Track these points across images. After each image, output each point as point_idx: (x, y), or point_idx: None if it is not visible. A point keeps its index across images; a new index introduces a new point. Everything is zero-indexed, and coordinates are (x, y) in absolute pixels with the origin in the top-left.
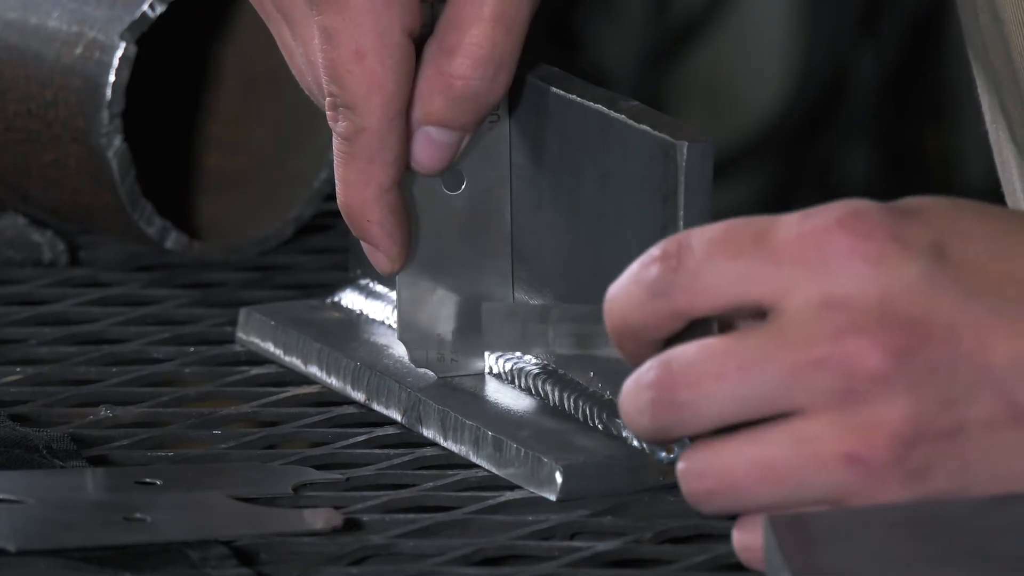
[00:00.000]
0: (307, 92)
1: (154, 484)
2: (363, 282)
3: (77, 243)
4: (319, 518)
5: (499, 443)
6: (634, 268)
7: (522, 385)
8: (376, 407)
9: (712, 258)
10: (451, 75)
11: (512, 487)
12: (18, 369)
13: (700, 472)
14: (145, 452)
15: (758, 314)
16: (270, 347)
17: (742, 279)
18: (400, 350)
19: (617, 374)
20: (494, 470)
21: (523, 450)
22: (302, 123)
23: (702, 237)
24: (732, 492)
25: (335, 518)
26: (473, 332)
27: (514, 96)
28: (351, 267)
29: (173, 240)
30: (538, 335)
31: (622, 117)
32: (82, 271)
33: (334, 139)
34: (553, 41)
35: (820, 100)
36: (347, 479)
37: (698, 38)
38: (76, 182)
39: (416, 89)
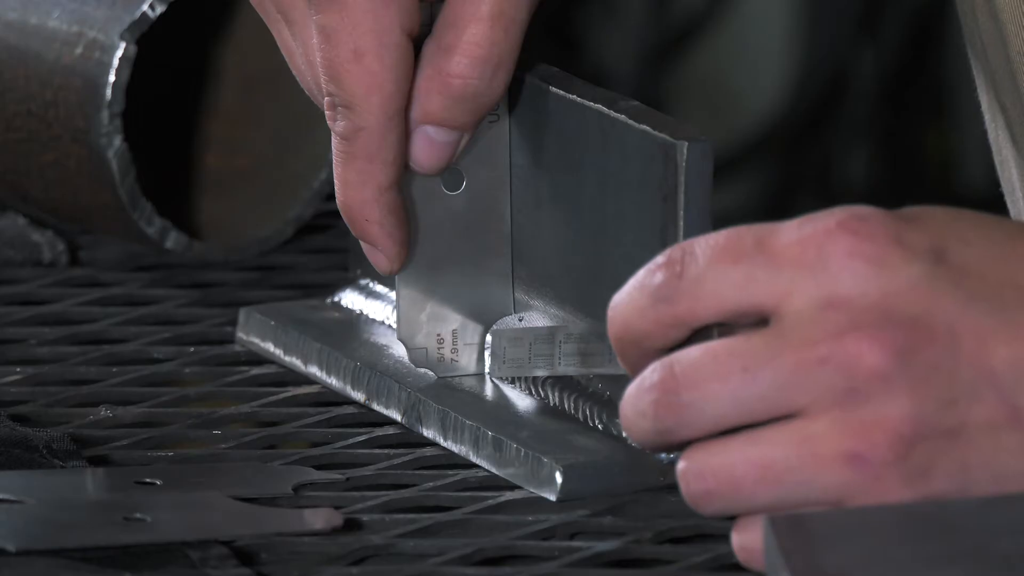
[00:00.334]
0: (307, 92)
1: (154, 484)
2: (363, 282)
3: (77, 243)
4: (319, 518)
5: (499, 443)
6: (638, 276)
7: (522, 385)
8: (376, 407)
9: (714, 264)
10: (449, 74)
11: (512, 487)
12: (18, 369)
13: (699, 472)
14: (145, 452)
15: (760, 321)
16: (270, 347)
17: (744, 284)
18: (400, 350)
19: (617, 374)
20: (494, 470)
21: (523, 450)
22: (302, 123)
23: (705, 244)
24: (732, 492)
25: (335, 518)
26: (473, 332)
27: (514, 96)
28: (351, 267)
29: (173, 240)
30: (544, 358)
31: (622, 117)
32: (82, 271)
33: (333, 139)
34: (553, 41)
35: (820, 100)
36: (347, 479)
37: (698, 38)
38: (76, 182)
39: (415, 89)
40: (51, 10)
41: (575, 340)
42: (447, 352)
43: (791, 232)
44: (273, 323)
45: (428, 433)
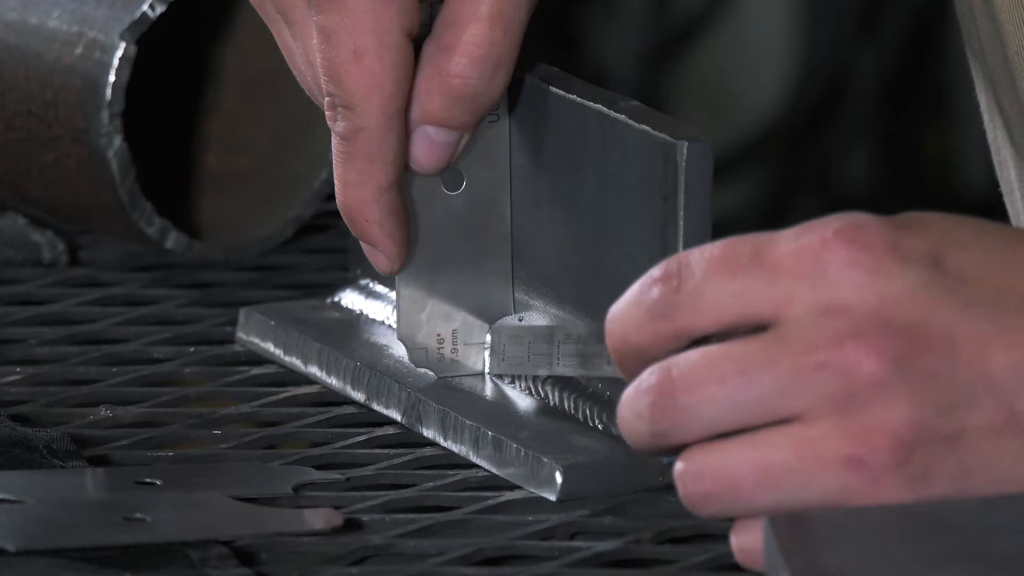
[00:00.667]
0: (307, 92)
1: (154, 484)
2: (363, 282)
3: (77, 243)
4: (319, 518)
5: (499, 443)
6: (635, 289)
7: (522, 385)
8: (376, 407)
9: (712, 276)
10: (449, 74)
11: (512, 487)
12: (18, 369)
13: (698, 473)
14: (145, 452)
15: (759, 331)
16: (270, 347)
17: (742, 295)
18: (400, 350)
19: (616, 377)
20: (494, 470)
21: (523, 450)
22: (302, 123)
23: (701, 257)
24: (730, 494)
25: (335, 518)
26: (473, 332)
27: (514, 96)
28: (351, 267)
29: (173, 240)
30: (543, 356)
31: (622, 117)
32: (82, 271)
33: (333, 139)
34: (553, 41)
35: (820, 100)
36: (347, 479)
37: (698, 38)
38: (76, 182)
39: (415, 89)
40: (51, 10)
41: (574, 341)
42: (447, 352)
43: (788, 242)
44: (273, 323)
45: (428, 433)
